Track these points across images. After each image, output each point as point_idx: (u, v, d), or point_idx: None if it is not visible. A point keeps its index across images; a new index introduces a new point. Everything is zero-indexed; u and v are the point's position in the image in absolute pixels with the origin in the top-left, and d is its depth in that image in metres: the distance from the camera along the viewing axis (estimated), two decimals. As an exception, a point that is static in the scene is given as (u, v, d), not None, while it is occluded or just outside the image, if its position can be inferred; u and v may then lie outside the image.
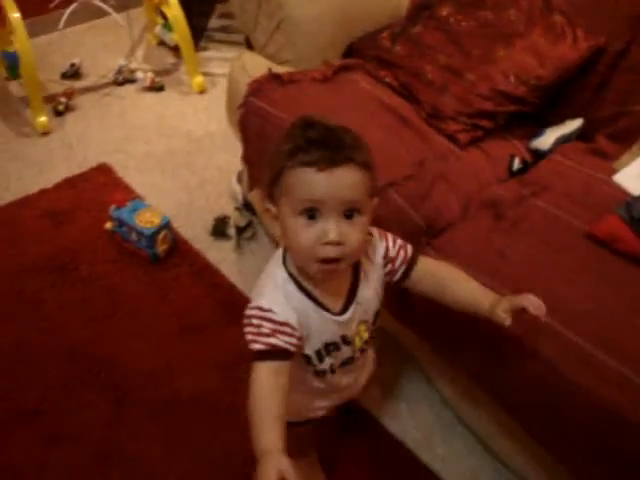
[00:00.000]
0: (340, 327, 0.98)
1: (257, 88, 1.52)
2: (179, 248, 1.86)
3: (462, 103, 1.49)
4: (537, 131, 1.51)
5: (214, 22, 2.91)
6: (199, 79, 2.50)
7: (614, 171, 1.41)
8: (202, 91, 2.52)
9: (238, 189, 1.99)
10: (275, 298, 0.92)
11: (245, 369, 0.91)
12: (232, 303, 1.72)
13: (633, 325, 1.08)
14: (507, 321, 0.97)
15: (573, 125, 1.51)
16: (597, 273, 1.17)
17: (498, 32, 1.55)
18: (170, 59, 2.70)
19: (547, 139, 1.48)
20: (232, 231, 1.91)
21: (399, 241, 1.04)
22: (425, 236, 1.29)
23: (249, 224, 1.93)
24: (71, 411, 1.45)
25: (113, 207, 1.84)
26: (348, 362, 1.04)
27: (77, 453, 1.38)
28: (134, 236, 1.80)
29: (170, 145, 2.26)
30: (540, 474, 1.26)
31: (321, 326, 0.96)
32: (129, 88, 2.53)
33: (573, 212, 1.29)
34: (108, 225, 1.86)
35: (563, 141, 1.48)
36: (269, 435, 0.83)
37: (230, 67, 1.69)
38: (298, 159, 0.85)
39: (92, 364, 1.55)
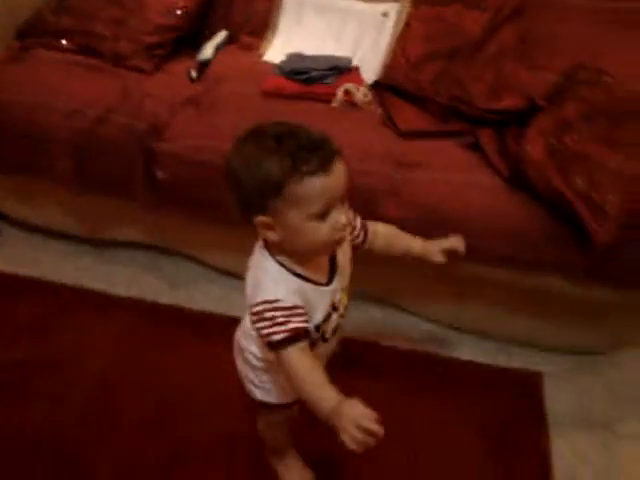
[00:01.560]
0: (330, 297, 1.08)
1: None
2: None
3: (135, 43, 1.88)
4: (199, 47, 1.96)
5: None
6: None
7: (262, 55, 1.95)
8: None
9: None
10: (277, 288, 0.99)
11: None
12: (23, 285, 1.91)
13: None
14: (443, 260, 1.27)
15: (221, 35, 2.01)
16: (280, 111, 1.68)
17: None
18: None
19: (207, 51, 1.95)
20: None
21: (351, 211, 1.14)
22: (153, 135, 1.66)
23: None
24: None
25: None
26: (336, 330, 1.14)
27: None
28: None
29: None
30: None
31: (318, 300, 1.05)
32: None
33: (247, 85, 1.78)
34: None
35: (218, 48, 1.97)
36: (331, 393, 0.93)
37: None
38: (302, 171, 0.91)
39: None
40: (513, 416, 1.64)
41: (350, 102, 1.74)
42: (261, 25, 2.00)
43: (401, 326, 1.85)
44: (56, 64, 1.82)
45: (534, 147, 1.52)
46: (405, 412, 1.61)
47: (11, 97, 1.70)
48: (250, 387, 1.23)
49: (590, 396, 1.71)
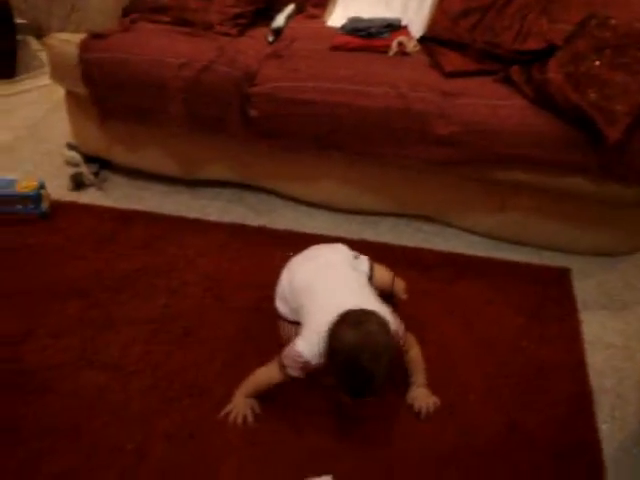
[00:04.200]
0: None
1: (87, 45, 2.21)
2: (57, 207, 2.41)
3: (221, 14, 2.37)
4: (273, 17, 2.45)
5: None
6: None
7: (325, 22, 2.44)
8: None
9: (73, 153, 2.59)
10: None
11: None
12: (133, 216, 2.37)
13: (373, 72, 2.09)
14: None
15: (290, 8, 2.50)
16: (346, 59, 2.16)
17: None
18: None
19: (279, 20, 2.44)
20: (89, 178, 2.52)
21: None
22: (246, 82, 2.14)
23: (98, 170, 2.57)
24: None
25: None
26: None
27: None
28: (19, 205, 2.32)
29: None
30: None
31: None
32: None
33: (317, 43, 2.26)
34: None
35: (288, 18, 2.46)
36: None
37: (49, 46, 2.31)
38: (351, 395, 1.52)
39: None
40: (546, 300, 2.07)
41: (402, 52, 2.21)
42: (323, -2, 2.49)
43: (449, 237, 2.29)
44: (161, 32, 2.31)
45: (555, 74, 1.97)
46: (459, 296, 2.06)
47: (129, 56, 2.18)
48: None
49: (611, 287, 2.14)
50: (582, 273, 2.17)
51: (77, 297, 2.04)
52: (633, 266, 2.22)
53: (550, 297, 2.08)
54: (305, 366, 1.56)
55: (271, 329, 1.88)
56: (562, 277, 2.15)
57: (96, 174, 2.55)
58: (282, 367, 1.59)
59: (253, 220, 2.35)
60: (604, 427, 1.71)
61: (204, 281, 2.10)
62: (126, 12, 2.46)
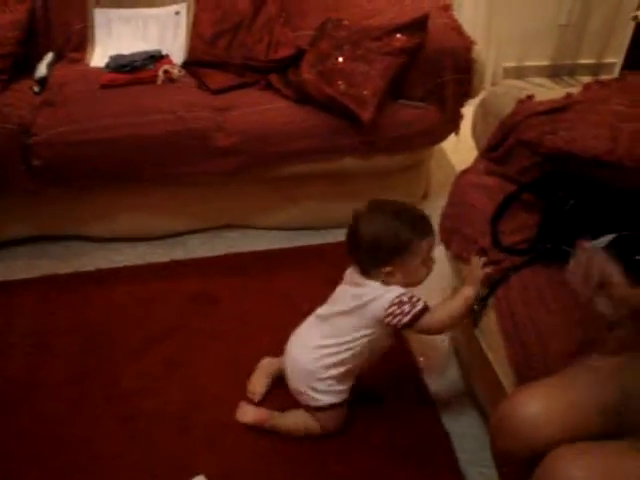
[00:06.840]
0: None
1: None
2: None
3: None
4: (35, 67, 2.52)
5: None
6: None
7: (88, 64, 2.56)
8: None
9: None
10: (400, 290, 1.53)
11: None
12: None
13: (147, 102, 2.27)
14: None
15: (50, 56, 2.58)
16: (118, 95, 2.31)
17: None
18: None
19: (41, 69, 2.51)
20: None
21: None
22: (23, 134, 2.20)
23: None
24: None
25: None
26: None
27: None
28: None
29: None
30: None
31: None
32: None
33: (86, 85, 2.38)
34: None
35: (50, 66, 2.55)
36: (461, 292, 1.54)
37: None
38: (424, 231, 1.54)
39: None
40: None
41: (169, 79, 2.41)
42: (80, 41, 2.61)
43: (254, 238, 2.53)
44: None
45: (308, 74, 2.29)
46: (277, 285, 2.30)
47: None
48: (319, 396, 1.68)
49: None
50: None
51: None
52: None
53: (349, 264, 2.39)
54: (412, 295, 1.55)
55: (102, 364, 2.02)
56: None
57: None
58: (417, 315, 1.51)
59: (63, 269, 2.41)
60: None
61: (29, 338, 2.12)
62: None
